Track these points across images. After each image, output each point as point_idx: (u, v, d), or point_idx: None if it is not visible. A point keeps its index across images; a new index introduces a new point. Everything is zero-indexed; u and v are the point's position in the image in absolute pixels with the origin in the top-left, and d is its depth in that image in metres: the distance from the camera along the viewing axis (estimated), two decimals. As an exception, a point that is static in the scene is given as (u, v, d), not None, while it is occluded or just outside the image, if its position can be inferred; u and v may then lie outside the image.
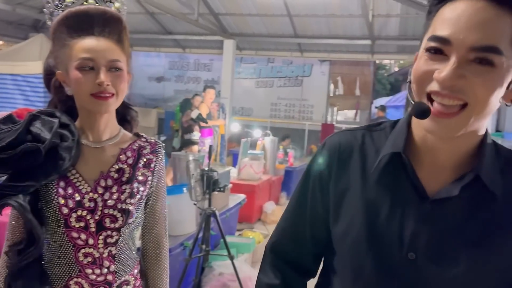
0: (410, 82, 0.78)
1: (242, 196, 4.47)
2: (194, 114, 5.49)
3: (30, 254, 1.04)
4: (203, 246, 3.03)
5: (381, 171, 0.84)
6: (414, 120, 0.82)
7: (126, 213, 1.12)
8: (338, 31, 8.11)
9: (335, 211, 0.88)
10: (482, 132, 0.79)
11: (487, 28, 0.68)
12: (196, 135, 5.11)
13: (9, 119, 1.07)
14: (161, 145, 1.25)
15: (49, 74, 1.16)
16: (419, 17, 6.93)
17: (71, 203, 1.08)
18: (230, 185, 4.15)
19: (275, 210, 5.63)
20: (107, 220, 1.10)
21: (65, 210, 1.08)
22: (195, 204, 3.01)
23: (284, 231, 0.99)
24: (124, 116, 1.25)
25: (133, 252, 1.21)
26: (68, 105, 1.16)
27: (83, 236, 1.09)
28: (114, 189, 1.13)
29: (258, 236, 4.52)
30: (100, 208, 1.10)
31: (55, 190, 1.08)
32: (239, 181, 5.24)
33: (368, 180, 0.85)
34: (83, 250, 1.10)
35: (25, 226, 1.06)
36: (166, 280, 1.29)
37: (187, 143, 4.50)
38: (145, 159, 1.19)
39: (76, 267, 1.10)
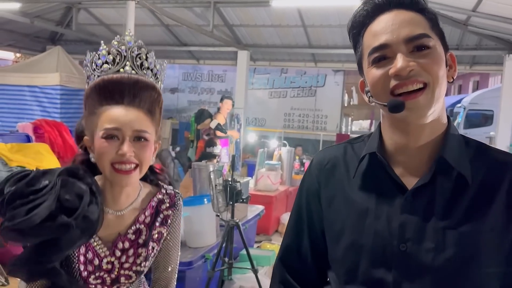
0: (371, 96, 0.89)
1: (260, 208, 4.41)
2: (213, 124, 5.48)
3: None
4: (226, 259, 2.98)
5: (363, 174, 0.94)
6: (384, 126, 0.93)
7: (140, 273, 1.16)
8: (352, 41, 8.06)
9: (327, 218, 0.97)
10: (444, 120, 0.89)
11: (410, 23, 0.84)
12: (218, 148, 5.12)
13: (34, 179, 1.03)
14: (180, 197, 1.23)
15: (79, 135, 1.16)
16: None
17: (90, 268, 1.10)
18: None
19: (292, 222, 5.54)
20: (122, 278, 1.14)
21: (85, 274, 1.10)
22: (217, 215, 2.97)
23: (287, 247, 1.05)
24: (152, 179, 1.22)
25: None
26: (92, 166, 1.13)
27: None
28: (131, 252, 1.13)
29: (277, 249, 4.45)
30: (117, 269, 1.13)
31: (77, 257, 1.08)
32: (256, 192, 5.19)
33: (352, 185, 0.94)
34: None
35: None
36: None
37: (208, 156, 4.49)
38: (162, 216, 1.19)
39: None
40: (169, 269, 1.26)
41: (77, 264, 1.08)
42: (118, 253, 1.12)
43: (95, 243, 1.11)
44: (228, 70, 11.07)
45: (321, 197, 0.99)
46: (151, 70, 1.10)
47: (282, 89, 11.31)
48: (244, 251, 3.28)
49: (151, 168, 1.20)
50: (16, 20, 7.31)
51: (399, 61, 0.81)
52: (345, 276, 0.93)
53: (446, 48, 0.88)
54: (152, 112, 1.07)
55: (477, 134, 10.62)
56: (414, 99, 0.81)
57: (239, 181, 3.01)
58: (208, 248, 3.04)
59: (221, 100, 6.39)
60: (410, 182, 0.88)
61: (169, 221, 1.19)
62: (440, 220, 0.84)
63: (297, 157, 7.00)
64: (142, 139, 1.04)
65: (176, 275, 1.30)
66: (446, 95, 0.91)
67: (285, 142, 6.53)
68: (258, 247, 4.58)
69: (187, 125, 9.41)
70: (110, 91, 1.03)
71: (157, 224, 1.17)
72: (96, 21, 8.83)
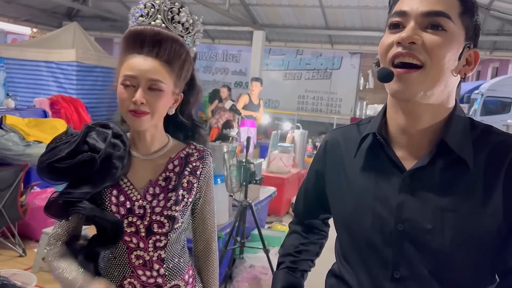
0: (376, 64, 0.88)
1: (272, 189, 4.43)
2: (227, 105, 5.47)
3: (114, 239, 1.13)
4: (238, 238, 3.02)
5: (364, 156, 0.95)
6: (389, 106, 0.92)
7: (172, 219, 1.15)
8: (371, 23, 7.93)
9: (330, 197, 1.03)
10: (449, 105, 0.88)
11: (438, 0, 0.81)
12: (234, 131, 5.13)
13: (65, 132, 1.17)
14: (208, 152, 1.26)
15: None
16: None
17: (122, 210, 1.14)
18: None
19: (303, 204, 5.56)
20: (155, 226, 1.15)
21: (118, 217, 1.14)
22: (231, 195, 3.00)
23: (297, 206, 1.23)
24: (192, 133, 1.27)
25: (183, 258, 1.24)
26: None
27: (134, 240, 1.15)
28: (161, 196, 1.16)
29: (288, 230, 4.48)
30: (149, 215, 1.15)
31: (109, 198, 1.14)
32: (268, 174, 5.19)
33: (354, 165, 0.96)
34: (135, 253, 1.16)
35: (98, 222, 1.12)
36: (216, 279, 1.34)
37: (223, 138, 4.51)
38: (191, 166, 1.21)
39: (129, 268, 1.17)
40: (207, 229, 1.27)
41: (109, 205, 1.13)
42: (149, 198, 1.15)
43: (127, 188, 1.16)
44: (243, 50, 10.99)
45: (326, 179, 1.05)
46: (182, 24, 1.14)
47: (297, 70, 11.22)
48: (255, 231, 3.32)
49: (193, 129, 1.26)
50: (33, -5, 7.32)
51: (406, 31, 0.81)
52: (346, 254, 0.99)
53: (472, 43, 0.85)
54: (171, 64, 1.10)
55: (494, 121, 10.42)
56: (405, 74, 0.81)
57: (252, 163, 3.02)
58: (221, 227, 3.08)
59: (251, 81, 6.51)
60: (410, 163, 0.88)
61: (198, 172, 1.21)
62: (438, 202, 0.84)
63: (310, 140, 6.98)
64: (156, 89, 1.08)
65: (216, 237, 1.32)
66: (464, 80, 0.89)
67: (298, 124, 6.51)
68: (269, 227, 4.61)
69: (201, 105, 9.41)
70: (133, 41, 1.10)
71: (186, 173, 1.20)
72: (112, -2, 8.81)
